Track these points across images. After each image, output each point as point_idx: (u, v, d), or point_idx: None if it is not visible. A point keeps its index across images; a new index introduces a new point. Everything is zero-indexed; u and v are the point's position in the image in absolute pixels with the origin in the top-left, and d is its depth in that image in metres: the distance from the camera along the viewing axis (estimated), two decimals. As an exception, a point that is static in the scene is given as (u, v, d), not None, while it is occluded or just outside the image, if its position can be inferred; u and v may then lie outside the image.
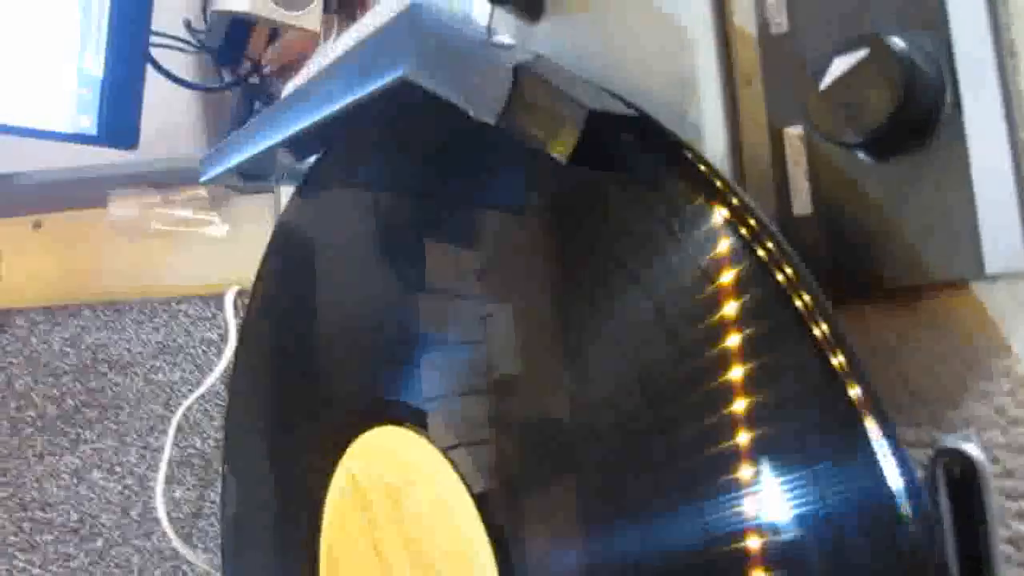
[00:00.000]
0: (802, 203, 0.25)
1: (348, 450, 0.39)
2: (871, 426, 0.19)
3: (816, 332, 0.20)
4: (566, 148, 0.24)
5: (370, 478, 0.37)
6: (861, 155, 0.23)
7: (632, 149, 0.25)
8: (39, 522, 0.66)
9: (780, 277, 0.21)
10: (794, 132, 0.25)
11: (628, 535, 0.24)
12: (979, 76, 0.21)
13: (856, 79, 0.22)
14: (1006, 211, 0.21)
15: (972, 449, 0.21)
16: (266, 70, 0.78)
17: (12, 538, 0.66)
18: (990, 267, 0.21)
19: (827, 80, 0.23)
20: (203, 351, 0.65)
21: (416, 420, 0.34)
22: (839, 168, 0.24)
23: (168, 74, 0.68)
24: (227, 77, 0.77)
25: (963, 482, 0.22)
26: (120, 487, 0.65)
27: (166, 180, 0.66)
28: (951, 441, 0.22)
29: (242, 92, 0.78)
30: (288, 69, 0.78)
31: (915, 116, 0.22)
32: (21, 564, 0.66)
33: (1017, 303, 0.21)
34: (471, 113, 0.27)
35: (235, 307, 0.64)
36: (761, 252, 0.21)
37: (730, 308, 0.22)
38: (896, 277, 0.23)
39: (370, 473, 0.37)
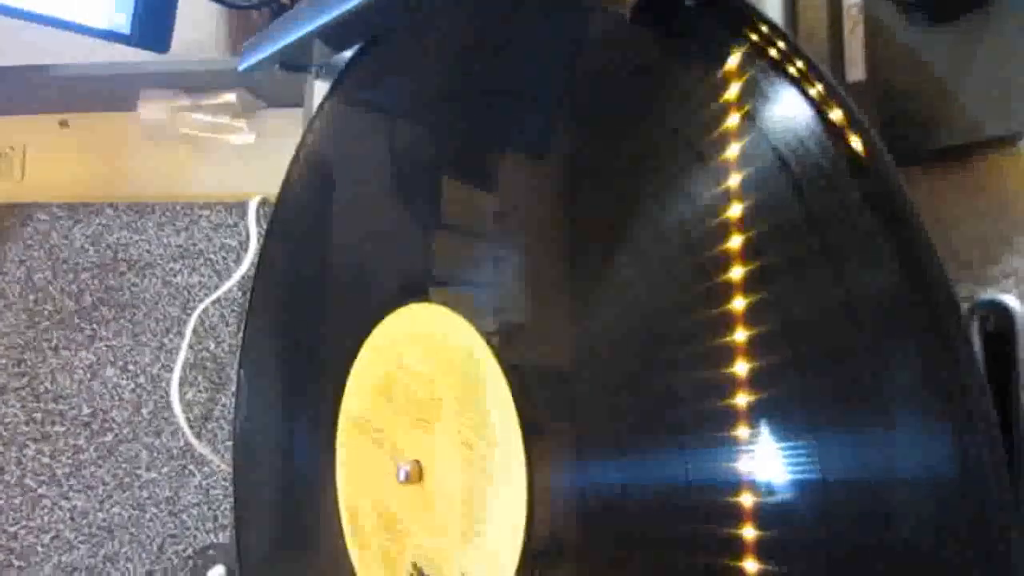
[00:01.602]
0: (856, 70, 0.25)
1: (365, 344, 0.39)
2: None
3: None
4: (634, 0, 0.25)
5: (390, 363, 0.37)
6: (919, 18, 0.24)
7: (694, 14, 0.26)
8: (51, 413, 0.67)
9: (856, 144, 0.21)
10: (852, 1, 0.26)
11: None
12: (1047, -63, 0.22)
13: (923, -62, 0.23)
14: (1063, 68, 0.21)
15: (1010, 299, 0.22)
16: (297, -9, 0.78)
17: (24, 427, 0.67)
18: (1044, 119, 0.21)
19: (894, -60, 0.23)
20: (222, 257, 0.66)
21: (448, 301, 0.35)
22: (895, 33, 0.24)
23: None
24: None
25: (996, 335, 0.23)
26: (133, 385, 0.66)
27: (196, 85, 0.66)
28: (990, 294, 0.23)
29: (272, 12, 0.78)
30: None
31: (980, -26, 0.22)
32: (31, 453, 0.67)
33: (1065, 159, 0.22)
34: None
35: (257, 216, 0.64)
36: (835, 114, 0.22)
37: (799, 169, 0.22)
38: (948, 138, 0.23)
39: (390, 358, 0.37)
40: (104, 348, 0.67)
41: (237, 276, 0.64)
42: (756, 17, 0.24)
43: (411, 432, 0.36)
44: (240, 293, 0.65)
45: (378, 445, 0.38)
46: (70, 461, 0.66)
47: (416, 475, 0.35)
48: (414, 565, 0.35)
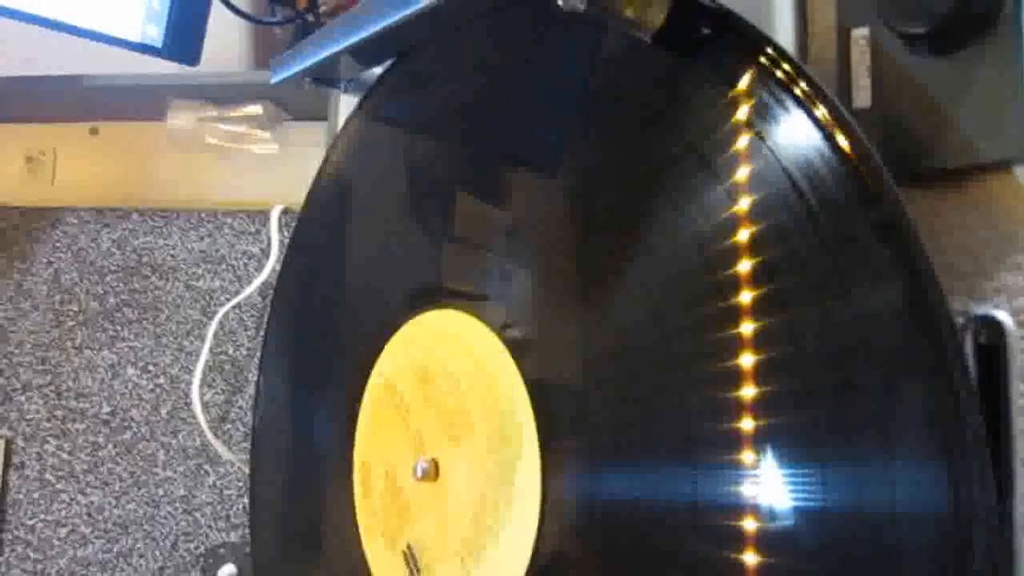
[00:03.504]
0: (863, 97, 0.27)
1: (383, 352, 0.41)
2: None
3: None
4: (654, 26, 0.26)
5: (405, 369, 0.39)
6: (922, 50, 0.26)
7: (711, 41, 0.27)
8: (72, 411, 0.69)
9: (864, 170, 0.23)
10: (860, 33, 0.27)
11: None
12: (1041, -22, 0.24)
13: (926, -24, 0.25)
14: (1054, 99, 0.23)
15: (1001, 314, 0.24)
16: (322, 9, 0.80)
17: (45, 424, 0.69)
18: (1035, 147, 0.23)
19: (899, -23, 0.25)
20: (244, 263, 0.68)
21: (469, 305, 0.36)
22: (900, 63, 0.26)
23: (227, 3, 0.69)
24: (279, 14, 0.79)
25: (988, 347, 0.24)
26: (152, 385, 0.68)
27: (222, 97, 0.68)
28: (983, 309, 0.24)
29: (296, 29, 0.81)
30: (343, 10, 0.80)
31: (977, 10, 0.24)
32: (51, 449, 0.68)
33: (1055, 184, 0.23)
34: (560, 2, 0.28)
35: (279, 224, 0.66)
36: (842, 138, 0.23)
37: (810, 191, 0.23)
38: (947, 161, 0.25)
39: (405, 364, 0.39)
40: (126, 348, 0.69)
41: (258, 282, 0.66)
42: (770, 45, 0.26)
43: (434, 425, 0.37)
44: (260, 298, 0.67)
45: (403, 422, 0.38)
46: (89, 458, 0.68)
47: (432, 473, 0.36)
48: (408, 547, 0.36)
